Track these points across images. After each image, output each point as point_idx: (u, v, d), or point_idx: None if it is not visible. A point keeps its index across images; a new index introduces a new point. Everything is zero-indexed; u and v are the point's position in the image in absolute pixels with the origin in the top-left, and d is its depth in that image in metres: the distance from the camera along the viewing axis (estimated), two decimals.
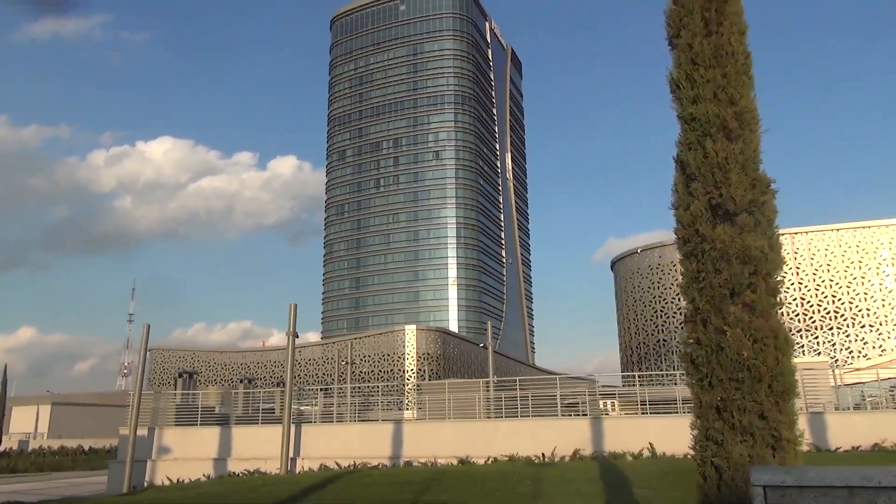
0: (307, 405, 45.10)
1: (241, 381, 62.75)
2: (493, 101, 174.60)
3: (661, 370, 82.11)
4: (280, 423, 25.74)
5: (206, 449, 27.24)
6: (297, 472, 25.30)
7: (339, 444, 25.70)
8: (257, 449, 26.80)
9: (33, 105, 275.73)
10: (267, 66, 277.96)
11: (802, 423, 19.39)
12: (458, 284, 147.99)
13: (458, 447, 23.44)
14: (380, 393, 43.83)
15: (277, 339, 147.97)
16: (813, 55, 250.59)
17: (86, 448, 56.20)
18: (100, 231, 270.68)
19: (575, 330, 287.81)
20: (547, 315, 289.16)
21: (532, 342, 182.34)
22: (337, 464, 24.48)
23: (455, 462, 22.88)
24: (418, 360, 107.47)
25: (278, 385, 65.97)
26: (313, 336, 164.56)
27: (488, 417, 26.08)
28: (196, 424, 28.09)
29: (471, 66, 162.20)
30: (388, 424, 25.39)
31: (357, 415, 31.08)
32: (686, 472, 16.23)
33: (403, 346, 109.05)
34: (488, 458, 22.30)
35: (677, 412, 25.46)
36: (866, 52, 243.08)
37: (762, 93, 6.44)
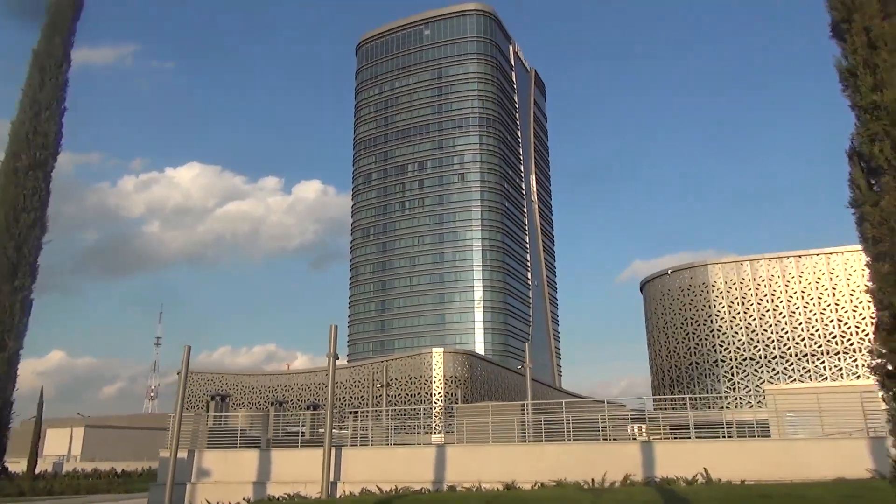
0: (338, 428, 44.77)
1: (272, 404, 62.57)
2: (518, 123, 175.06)
3: (694, 393, 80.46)
4: (318, 446, 25.46)
5: (245, 472, 27.01)
6: (338, 496, 24.94)
7: (379, 467, 25.31)
8: (296, 472, 26.50)
9: (66, 133, 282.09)
10: (293, 91, 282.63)
11: (863, 447, 18.52)
12: (483, 307, 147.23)
13: (502, 471, 22.93)
14: (421, 415, 43.36)
15: (301, 361, 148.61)
16: None
17: (118, 471, 56.35)
18: (128, 255, 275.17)
19: (599, 353, 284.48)
20: (571, 337, 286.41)
21: (559, 365, 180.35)
22: (378, 488, 24.07)
23: (500, 487, 22.36)
24: (446, 383, 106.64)
25: (308, 408, 65.70)
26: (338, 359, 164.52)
27: (524, 441, 25.55)
28: (235, 447, 27.90)
29: (495, 88, 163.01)
30: (430, 448, 24.97)
31: (390, 438, 30.75)
32: (752, 499, 15.61)
33: (431, 369, 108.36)
34: (535, 483, 21.76)
35: (720, 436, 24.68)
36: None
37: None
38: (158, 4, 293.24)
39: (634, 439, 28.10)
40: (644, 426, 31.53)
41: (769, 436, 25.41)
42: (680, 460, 21.71)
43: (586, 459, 22.35)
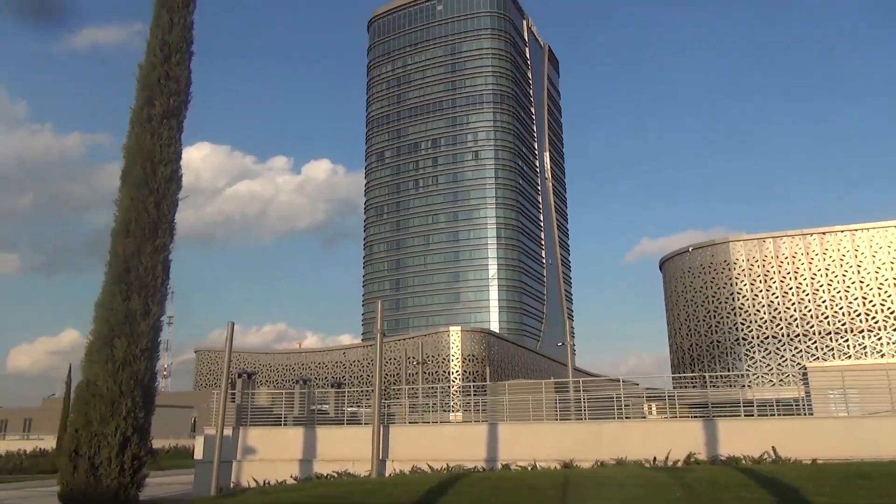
0: (360, 406, 44.53)
1: (297, 382, 62.53)
2: (532, 99, 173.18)
3: (715, 371, 79.96)
4: (353, 424, 25.13)
5: (290, 450, 26.70)
6: (387, 474, 24.61)
7: (428, 445, 24.92)
8: (342, 450, 26.16)
9: (75, 113, 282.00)
10: (303, 69, 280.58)
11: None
12: (498, 285, 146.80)
13: (558, 450, 22.48)
14: (457, 393, 42.98)
15: (311, 341, 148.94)
16: None
17: None
18: None
19: (608, 332, 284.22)
20: (583, 316, 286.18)
21: (573, 344, 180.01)
22: (429, 466, 23.71)
23: (557, 466, 21.92)
24: (464, 362, 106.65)
25: (331, 386, 65.74)
26: (347, 339, 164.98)
27: (580, 419, 25.05)
28: (280, 425, 27.61)
29: (509, 64, 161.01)
30: (481, 426, 24.53)
31: (421, 416, 30.29)
32: (849, 478, 15.04)
33: (449, 348, 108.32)
34: (595, 462, 21.31)
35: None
36: None
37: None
38: None
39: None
40: (653, 405, 30.74)
41: (811, 414, 24.76)
42: (742, 438, 21.18)
43: (648, 439, 21.88)
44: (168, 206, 7.51)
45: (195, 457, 28.40)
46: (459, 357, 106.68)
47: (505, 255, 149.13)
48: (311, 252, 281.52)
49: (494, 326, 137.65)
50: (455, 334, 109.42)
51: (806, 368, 38.02)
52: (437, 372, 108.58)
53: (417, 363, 51.80)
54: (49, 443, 54.63)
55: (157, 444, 62.52)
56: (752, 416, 22.87)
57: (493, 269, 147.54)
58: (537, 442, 23.02)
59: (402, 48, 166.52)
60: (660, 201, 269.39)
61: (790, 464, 19.12)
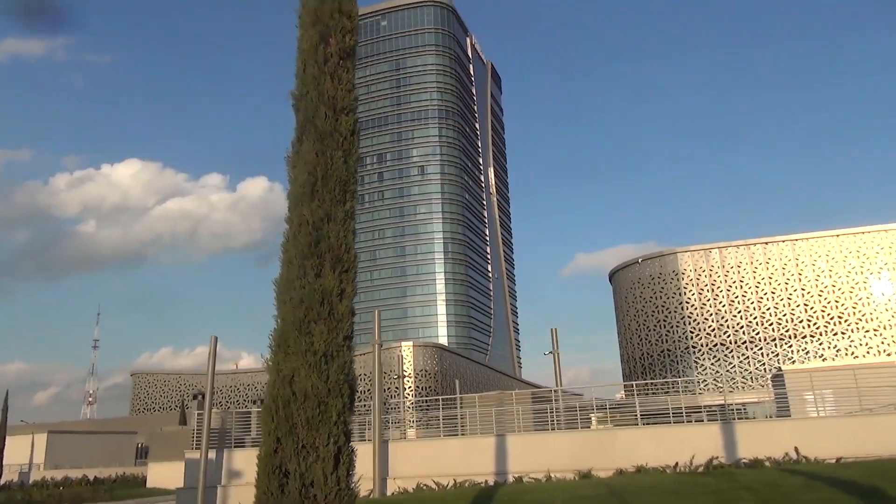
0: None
1: (255, 402, 60.14)
2: (476, 115, 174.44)
3: (666, 378, 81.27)
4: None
5: None
6: (390, 493, 23.30)
7: (433, 461, 23.78)
8: None
9: None
10: (242, 84, 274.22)
11: None
12: (446, 300, 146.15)
13: (572, 460, 21.75)
14: (440, 407, 41.66)
15: (247, 361, 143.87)
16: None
17: (91, 478, 52.73)
18: (62, 255, 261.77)
19: (548, 345, 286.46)
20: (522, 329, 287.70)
21: (519, 356, 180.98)
22: (436, 483, 22.58)
23: (573, 476, 21.17)
24: (416, 377, 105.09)
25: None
26: None
27: (588, 427, 24.48)
28: (230, 447, 25.87)
29: (454, 80, 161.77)
30: (487, 438, 23.54)
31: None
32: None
33: (401, 363, 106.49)
34: (615, 471, 20.67)
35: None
36: None
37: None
38: None
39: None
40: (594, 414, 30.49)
41: (788, 415, 24.85)
42: (759, 440, 20.98)
43: (663, 444, 21.40)
44: (354, 163, 6.25)
45: (179, 484, 26.30)
46: (412, 372, 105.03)
47: (453, 270, 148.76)
48: (245, 271, 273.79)
49: (443, 341, 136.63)
50: (407, 349, 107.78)
51: (781, 370, 38.69)
52: (388, 388, 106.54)
53: (398, 377, 50.13)
54: None
55: (101, 472, 58.67)
56: (723, 419, 22.78)
57: (440, 285, 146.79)
58: (551, 452, 22.24)
59: None
60: (594, 217, 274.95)
61: (816, 463, 18.95)
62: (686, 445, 21.07)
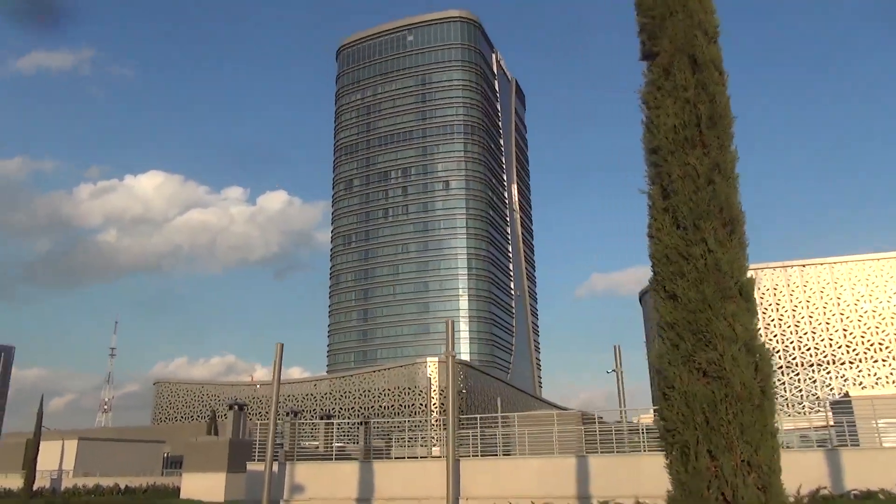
0: (381, 441, 41.59)
1: (287, 415, 58.88)
2: (500, 131, 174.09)
3: None
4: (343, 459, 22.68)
5: (343, 487, 23.98)
6: None
7: (508, 481, 22.66)
8: (403, 487, 23.61)
9: (18, 137, 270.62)
10: (264, 99, 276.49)
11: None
12: (469, 317, 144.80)
13: (663, 485, 20.51)
14: (498, 425, 40.54)
15: (261, 373, 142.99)
16: None
17: (122, 486, 51.84)
18: (82, 264, 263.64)
19: (565, 364, 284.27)
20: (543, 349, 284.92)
21: (539, 376, 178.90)
22: None
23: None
24: (441, 394, 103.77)
25: (321, 418, 62.10)
26: (296, 371, 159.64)
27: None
28: (331, 460, 24.85)
29: (479, 96, 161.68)
30: (568, 458, 22.39)
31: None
32: None
33: (425, 380, 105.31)
34: None
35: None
36: None
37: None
38: (119, 6, 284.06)
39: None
40: None
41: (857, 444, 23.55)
42: (867, 469, 19.69)
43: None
44: (727, 102, 5.13)
45: (244, 495, 25.27)
46: (437, 389, 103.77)
47: (476, 286, 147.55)
48: (262, 284, 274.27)
49: (465, 358, 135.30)
50: (432, 365, 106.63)
51: (849, 395, 37.14)
52: (413, 404, 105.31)
53: (460, 392, 48.56)
54: (14, 482, 49.52)
55: (130, 481, 57.72)
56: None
57: (463, 301, 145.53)
58: (640, 476, 21.02)
59: (371, 77, 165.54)
60: (613, 236, 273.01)
61: None
62: (789, 474, 19.77)
